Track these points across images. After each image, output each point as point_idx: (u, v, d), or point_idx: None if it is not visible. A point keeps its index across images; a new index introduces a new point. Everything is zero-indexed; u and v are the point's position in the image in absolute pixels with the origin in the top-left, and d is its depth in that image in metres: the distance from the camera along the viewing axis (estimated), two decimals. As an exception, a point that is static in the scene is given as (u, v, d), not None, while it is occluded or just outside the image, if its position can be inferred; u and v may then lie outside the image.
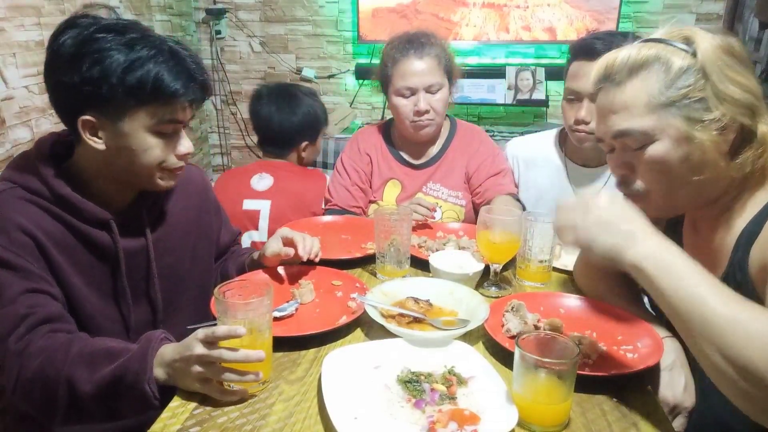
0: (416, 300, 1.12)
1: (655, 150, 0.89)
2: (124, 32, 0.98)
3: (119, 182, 1.09)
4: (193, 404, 0.88)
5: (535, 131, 1.87)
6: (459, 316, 1.10)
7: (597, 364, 0.95)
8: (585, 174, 1.66)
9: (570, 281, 1.31)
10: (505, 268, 1.33)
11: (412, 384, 0.89)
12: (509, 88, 3.17)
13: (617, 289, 1.13)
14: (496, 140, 1.96)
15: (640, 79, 0.89)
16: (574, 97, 1.51)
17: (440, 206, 1.74)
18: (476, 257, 1.31)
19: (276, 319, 1.07)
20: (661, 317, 1.02)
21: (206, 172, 3.68)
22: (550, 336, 0.86)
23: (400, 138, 1.81)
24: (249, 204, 1.87)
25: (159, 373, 0.89)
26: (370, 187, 1.81)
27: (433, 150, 1.79)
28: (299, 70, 3.51)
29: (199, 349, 0.85)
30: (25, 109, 2.02)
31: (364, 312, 1.08)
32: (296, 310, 1.14)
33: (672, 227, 1.11)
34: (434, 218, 1.59)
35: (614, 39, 1.40)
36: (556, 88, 3.22)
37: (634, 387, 0.92)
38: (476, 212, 1.66)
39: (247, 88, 3.57)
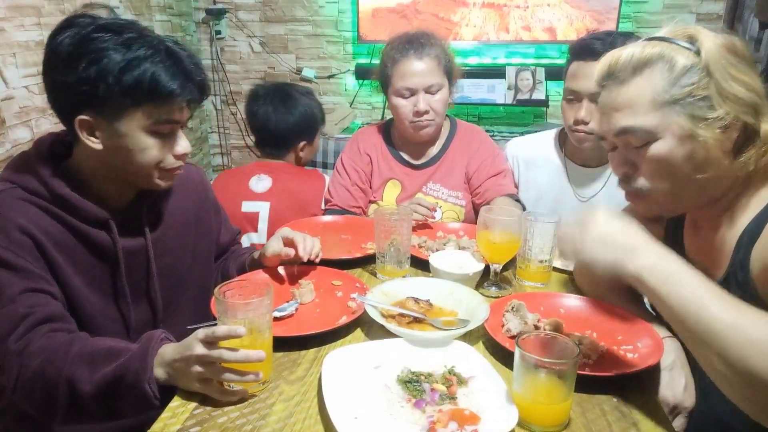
0: (416, 300, 1.12)
1: (658, 148, 0.89)
2: (122, 32, 0.98)
3: (118, 182, 1.09)
4: (194, 404, 0.88)
5: (535, 131, 1.87)
6: (459, 316, 1.10)
7: (597, 364, 0.95)
8: (585, 174, 1.66)
9: (570, 281, 1.31)
10: (505, 268, 1.33)
11: (412, 384, 0.89)
12: (509, 88, 3.17)
13: (617, 289, 1.13)
14: (496, 140, 1.96)
15: (644, 77, 0.89)
16: (573, 98, 1.51)
17: (440, 206, 1.74)
18: (476, 257, 1.31)
19: (276, 319, 1.07)
20: (660, 317, 1.02)
21: (206, 172, 3.68)
22: (550, 336, 0.87)
23: (400, 138, 1.81)
24: (248, 206, 1.86)
25: (159, 372, 0.89)
26: (370, 187, 1.81)
27: (433, 150, 1.79)
28: (299, 70, 3.51)
29: (200, 349, 0.85)
30: (25, 109, 2.02)
31: (364, 312, 1.08)
32: (296, 310, 1.14)
33: (672, 227, 1.11)
34: (434, 218, 1.59)
35: (613, 39, 1.40)
36: (556, 88, 3.22)
37: (634, 387, 0.92)
38: (476, 212, 1.66)
39: (247, 89, 3.53)
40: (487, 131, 1.89)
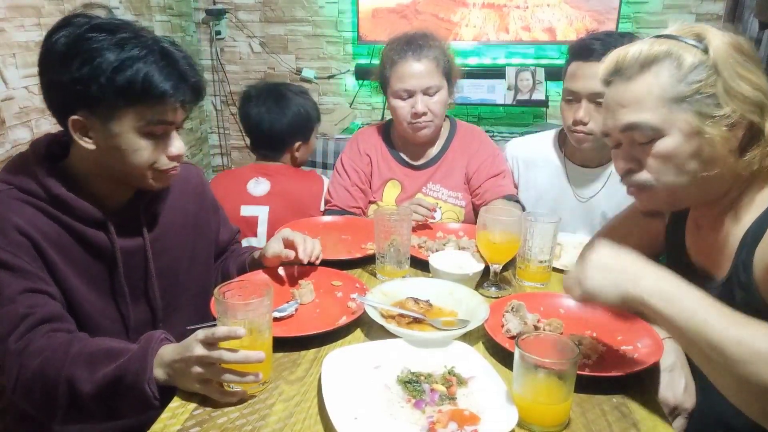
0: (416, 300, 1.12)
1: (665, 144, 0.89)
2: (116, 32, 0.97)
3: (113, 182, 1.08)
4: (193, 405, 0.88)
5: (535, 132, 1.87)
6: (459, 317, 1.10)
7: (597, 364, 0.95)
8: (584, 174, 1.66)
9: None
10: (505, 268, 1.33)
11: (412, 384, 0.89)
12: (509, 89, 3.17)
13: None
14: (496, 141, 1.95)
15: (651, 73, 0.89)
16: (572, 98, 1.51)
17: (440, 207, 1.74)
18: (476, 257, 1.31)
19: (276, 319, 1.07)
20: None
21: (206, 173, 3.69)
22: (550, 336, 0.87)
23: (399, 139, 1.81)
24: (247, 210, 1.84)
25: (159, 373, 0.89)
26: (370, 188, 1.81)
27: (433, 151, 1.79)
28: (299, 71, 3.51)
29: (199, 350, 0.85)
30: (25, 109, 2.02)
31: (364, 312, 1.08)
32: (296, 310, 1.14)
33: (674, 227, 1.11)
34: (434, 219, 1.59)
35: (613, 40, 1.40)
36: (556, 88, 3.22)
37: (634, 387, 0.92)
38: (476, 213, 1.66)
39: (247, 89, 3.56)
40: (487, 131, 1.89)
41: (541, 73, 3.12)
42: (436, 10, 3.19)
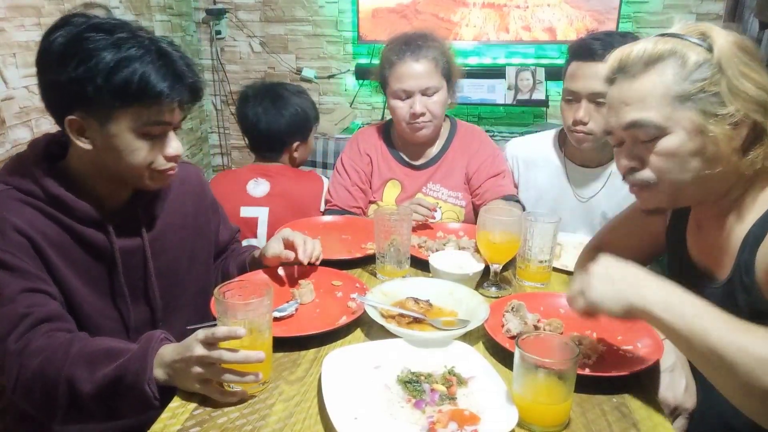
0: (416, 300, 1.12)
1: (668, 142, 0.89)
2: (113, 32, 0.96)
3: (112, 182, 1.08)
4: (193, 405, 0.88)
5: (535, 131, 1.87)
6: (459, 317, 1.10)
7: (597, 364, 0.95)
8: (584, 174, 1.66)
9: (570, 281, 1.31)
10: (505, 268, 1.33)
11: (412, 384, 0.89)
12: (509, 89, 3.17)
13: None
14: (496, 140, 1.95)
15: (656, 71, 0.89)
16: (572, 98, 1.51)
17: (440, 207, 1.74)
18: (476, 257, 1.31)
19: (276, 319, 1.07)
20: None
21: (206, 173, 3.69)
22: (550, 336, 0.87)
23: (399, 138, 1.81)
24: (246, 211, 1.83)
25: (159, 373, 0.89)
26: (370, 188, 1.81)
27: (433, 150, 1.79)
28: (299, 71, 3.50)
29: (199, 350, 0.85)
30: (25, 109, 2.01)
31: (364, 312, 1.08)
32: (296, 310, 1.14)
33: (675, 227, 1.11)
34: (434, 218, 1.59)
35: (613, 39, 1.40)
36: (556, 88, 3.22)
37: (634, 387, 0.93)
38: (476, 213, 1.66)
39: (247, 89, 3.56)
40: (487, 131, 1.89)
41: (541, 73, 3.12)
42: (436, 9, 3.19)
